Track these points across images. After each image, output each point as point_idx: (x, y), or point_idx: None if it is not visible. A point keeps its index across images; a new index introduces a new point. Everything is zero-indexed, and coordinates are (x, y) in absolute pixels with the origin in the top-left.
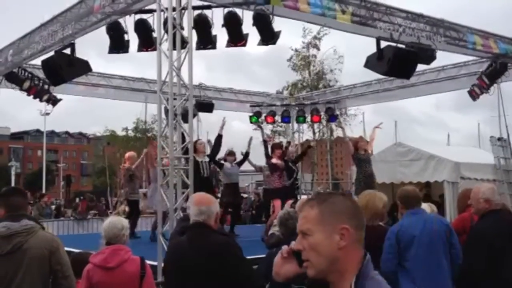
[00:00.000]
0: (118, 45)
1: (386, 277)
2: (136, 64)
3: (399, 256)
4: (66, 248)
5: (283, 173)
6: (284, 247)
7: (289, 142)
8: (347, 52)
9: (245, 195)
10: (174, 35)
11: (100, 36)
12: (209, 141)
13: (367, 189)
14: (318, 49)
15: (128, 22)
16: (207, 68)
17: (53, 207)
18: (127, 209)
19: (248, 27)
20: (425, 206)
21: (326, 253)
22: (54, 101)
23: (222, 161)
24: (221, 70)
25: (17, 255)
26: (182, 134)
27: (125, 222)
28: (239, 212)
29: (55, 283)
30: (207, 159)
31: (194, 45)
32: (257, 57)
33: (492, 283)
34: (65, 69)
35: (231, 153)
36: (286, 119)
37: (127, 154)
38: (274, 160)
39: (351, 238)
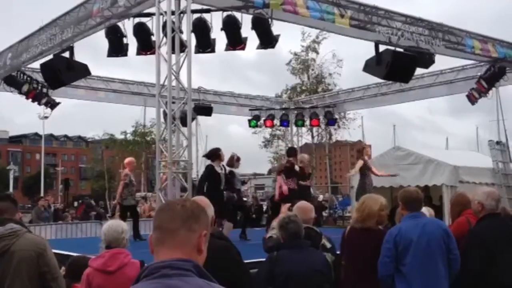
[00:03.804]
0: (117, 48)
1: (382, 281)
2: (131, 68)
3: (396, 260)
4: (65, 252)
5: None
6: None
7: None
8: (346, 56)
9: (244, 199)
10: (173, 38)
11: (95, 41)
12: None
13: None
14: (317, 52)
15: (127, 26)
16: (201, 73)
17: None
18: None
19: (247, 30)
20: (423, 210)
21: None
22: (52, 104)
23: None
24: (214, 75)
25: (4, 258)
26: None
27: (124, 225)
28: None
29: (45, 286)
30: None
31: (193, 48)
32: (250, 62)
33: (487, 287)
34: (64, 72)
35: (239, 159)
36: (285, 123)
37: (126, 160)
38: (297, 167)
39: (152, 242)
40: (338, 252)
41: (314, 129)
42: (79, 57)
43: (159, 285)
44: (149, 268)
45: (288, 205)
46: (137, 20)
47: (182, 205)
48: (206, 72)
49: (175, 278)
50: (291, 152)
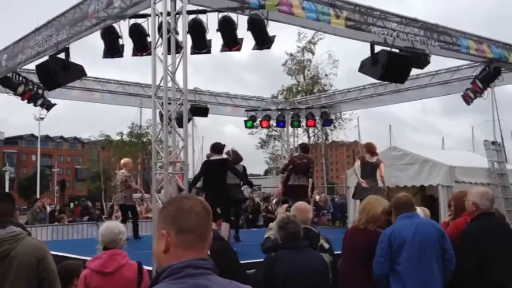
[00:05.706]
0: (112, 49)
1: (378, 280)
2: (126, 69)
3: (391, 260)
4: (61, 254)
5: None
6: None
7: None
8: (342, 57)
9: None
10: (169, 39)
11: (91, 42)
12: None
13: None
14: (313, 53)
15: (123, 27)
16: (194, 74)
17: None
18: (119, 214)
19: (243, 31)
20: (418, 210)
21: (156, 256)
22: (48, 105)
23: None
24: (207, 75)
25: (4, 263)
26: None
27: (122, 227)
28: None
29: None
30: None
31: (188, 49)
32: (243, 62)
33: (483, 286)
34: (60, 73)
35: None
36: (281, 123)
37: (123, 161)
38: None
39: (172, 243)
40: (336, 253)
41: (310, 129)
42: (74, 58)
43: (184, 285)
44: (171, 268)
45: (285, 205)
46: (132, 21)
47: (203, 207)
48: (199, 72)
49: (200, 277)
50: (306, 148)
